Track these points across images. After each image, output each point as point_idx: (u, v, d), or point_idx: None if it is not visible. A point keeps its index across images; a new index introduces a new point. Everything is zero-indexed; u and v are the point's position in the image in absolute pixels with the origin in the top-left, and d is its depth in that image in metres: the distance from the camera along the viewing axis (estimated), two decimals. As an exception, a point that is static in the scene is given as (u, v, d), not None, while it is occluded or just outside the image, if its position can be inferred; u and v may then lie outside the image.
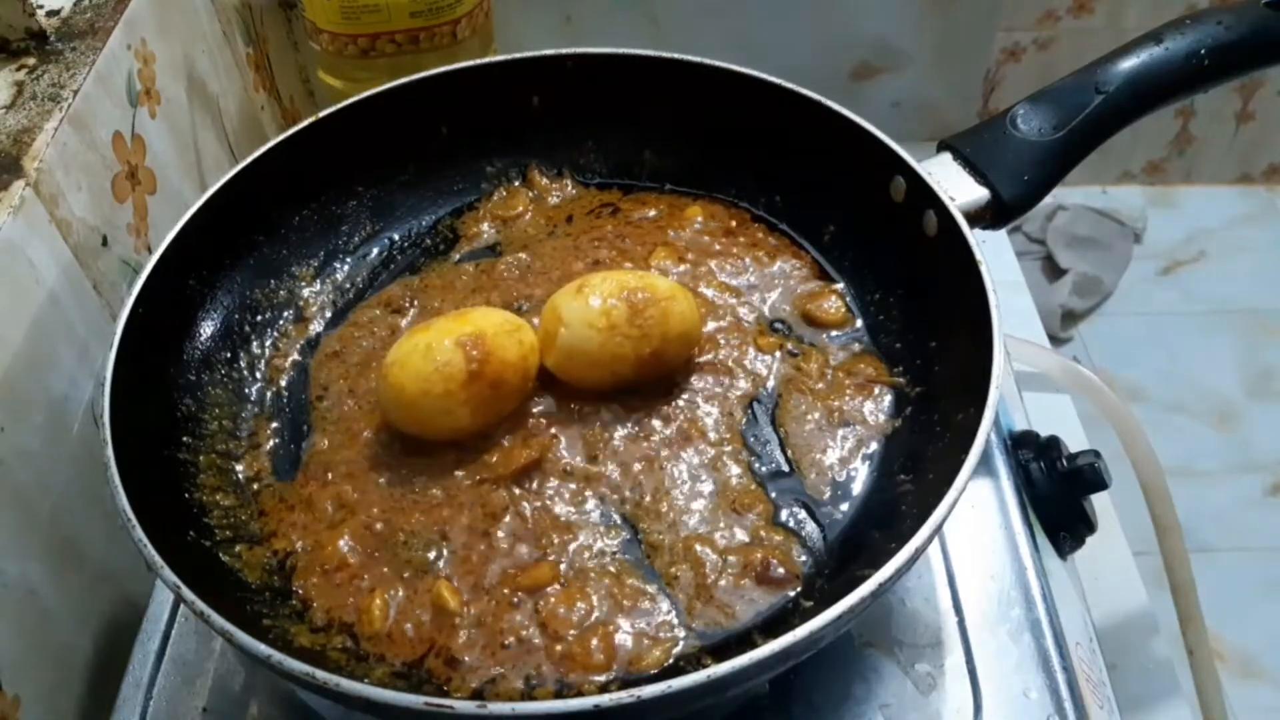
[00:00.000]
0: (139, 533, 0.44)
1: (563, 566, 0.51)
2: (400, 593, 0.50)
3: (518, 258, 0.67)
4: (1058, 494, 0.62)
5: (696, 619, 0.49)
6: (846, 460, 0.55)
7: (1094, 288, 1.71)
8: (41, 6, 0.68)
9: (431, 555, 0.52)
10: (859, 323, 0.62)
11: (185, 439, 0.56)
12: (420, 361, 0.52)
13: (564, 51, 0.69)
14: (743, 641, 0.48)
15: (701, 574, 0.51)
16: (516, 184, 0.72)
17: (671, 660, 0.48)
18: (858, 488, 0.54)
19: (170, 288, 0.58)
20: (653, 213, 0.69)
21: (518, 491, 0.54)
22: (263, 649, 0.41)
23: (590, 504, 0.53)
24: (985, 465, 0.61)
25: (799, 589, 0.50)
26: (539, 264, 0.66)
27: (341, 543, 0.52)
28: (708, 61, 0.66)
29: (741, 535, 0.52)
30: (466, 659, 0.48)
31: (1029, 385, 0.73)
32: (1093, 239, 1.76)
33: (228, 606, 0.43)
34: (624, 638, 0.48)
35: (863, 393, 0.58)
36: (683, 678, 0.39)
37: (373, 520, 0.53)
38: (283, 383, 0.61)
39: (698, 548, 0.51)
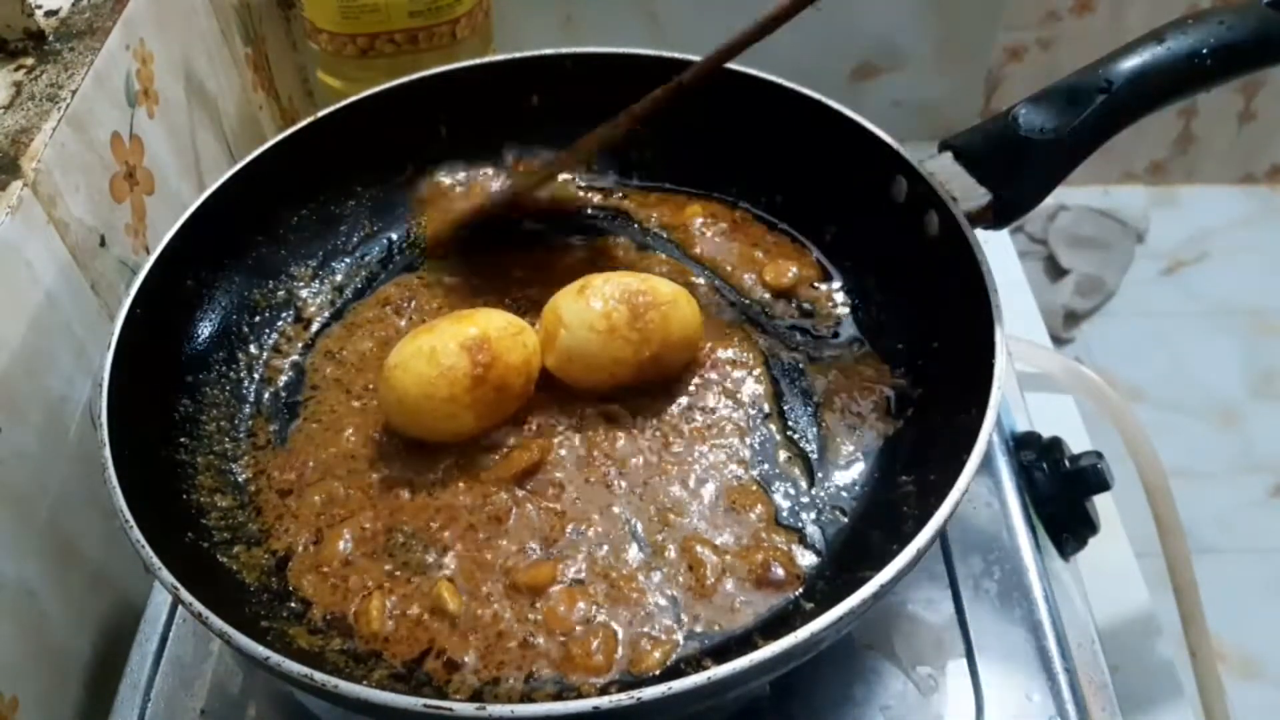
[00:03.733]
0: (137, 534, 0.44)
1: (563, 567, 0.51)
2: (399, 593, 0.50)
3: (514, 257, 0.66)
4: (1060, 495, 0.62)
5: (697, 620, 0.49)
6: (848, 461, 0.55)
7: (1096, 288, 1.71)
8: (40, 6, 0.68)
9: (431, 556, 0.51)
10: (860, 324, 0.62)
11: (183, 440, 0.56)
12: (424, 365, 0.52)
13: (564, 51, 0.69)
14: (743, 643, 0.48)
15: (702, 575, 0.50)
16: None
17: (672, 662, 0.47)
18: (859, 489, 0.54)
19: (168, 288, 0.57)
20: (653, 213, 0.69)
21: (519, 493, 0.54)
22: (261, 651, 0.41)
23: (591, 505, 0.53)
24: (987, 466, 0.61)
25: (800, 590, 0.50)
26: (537, 263, 0.66)
27: (340, 543, 0.52)
28: (708, 61, 0.66)
29: (743, 536, 0.52)
30: (466, 660, 0.48)
31: (1031, 386, 0.73)
32: (1095, 239, 1.76)
33: (226, 608, 0.43)
34: (624, 639, 0.48)
35: (864, 394, 0.58)
36: (683, 679, 0.39)
37: (371, 520, 0.53)
38: (281, 383, 0.61)
39: (698, 549, 0.51)
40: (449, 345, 0.52)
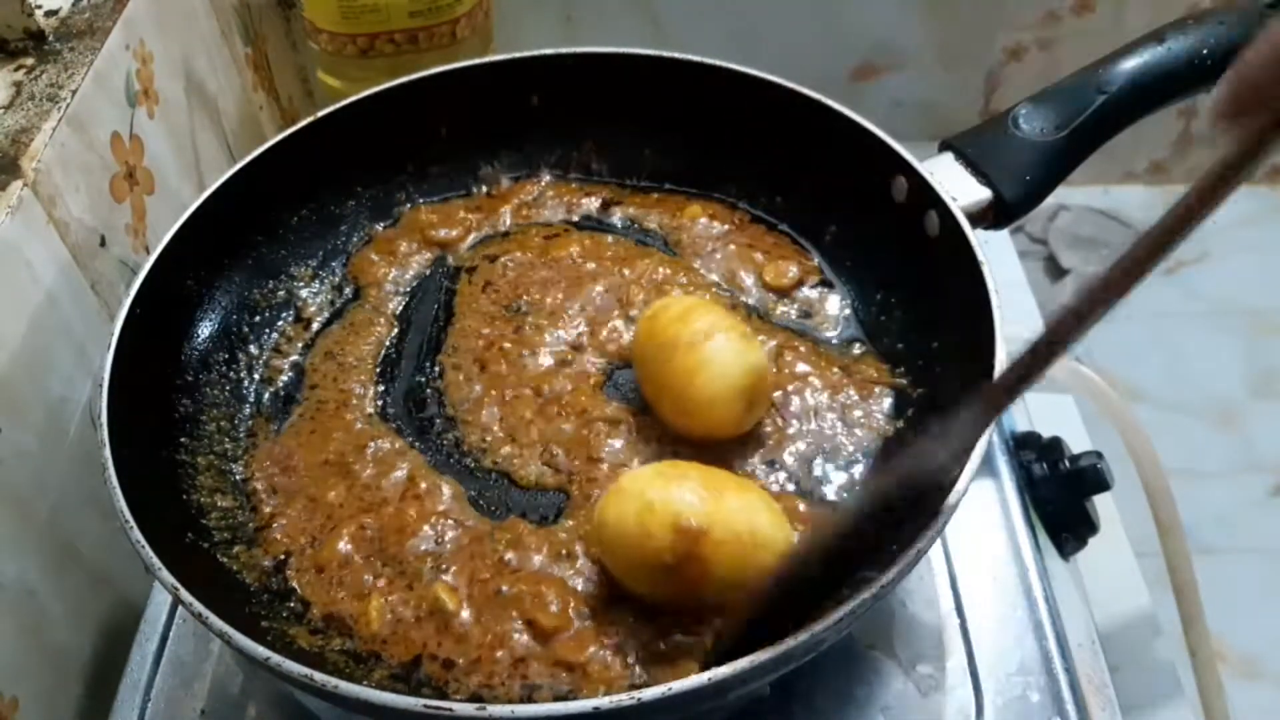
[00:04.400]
0: (137, 534, 0.44)
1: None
2: (398, 594, 0.50)
3: (514, 257, 0.66)
4: (1060, 495, 0.62)
5: (697, 621, 0.49)
6: (848, 461, 0.55)
7: (1096, 288, 1.71)
8: (40, 6, 0.68)
9: (430, 559, 0.51)
10: (860, 324, 0.62)
11: (183, 440, 0.56)
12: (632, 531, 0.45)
13: (564, 51, 0.69)
14: (743, 643, 0.48)
15: (702, 575, 0.50)
16: (515, 184, 0.72)
17: (672, 662, 0.47)
18: (859, 489, 0.54)
19: (168, 288, 0.57)
20: (653, 213, 0.69)
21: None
22: (261, 651, 0.41)
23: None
24: (987, 466, 0.61)
25: (800, 591, 0.50)
26: (537, 263, 0.66)
27: (340, 544, 0.52)
28: (708, 61, 0.66)
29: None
30: (465, 661, 0.48)
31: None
32: (1095, 239, 1.75)
33: (226, 608, 0.43)
34: (624, 640, 0.48)
35: (864, 394, 0.58)
36: (683, 680, 0.39)
37: (370, 522, 0.53)
38: (281, 383, 0.61)
39: (698, 549, 0.51)
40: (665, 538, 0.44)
